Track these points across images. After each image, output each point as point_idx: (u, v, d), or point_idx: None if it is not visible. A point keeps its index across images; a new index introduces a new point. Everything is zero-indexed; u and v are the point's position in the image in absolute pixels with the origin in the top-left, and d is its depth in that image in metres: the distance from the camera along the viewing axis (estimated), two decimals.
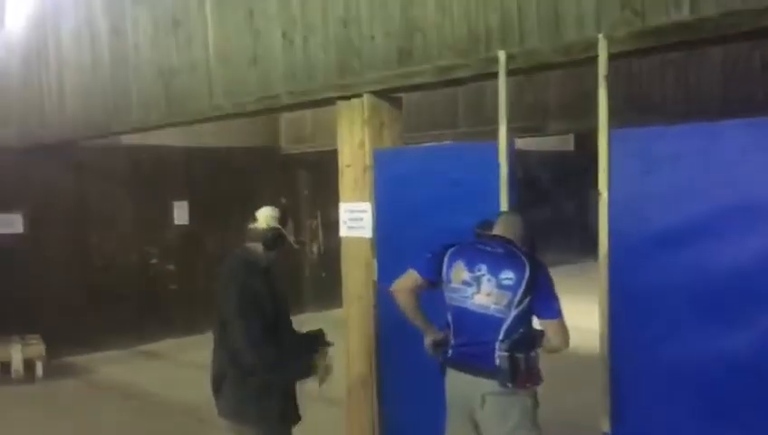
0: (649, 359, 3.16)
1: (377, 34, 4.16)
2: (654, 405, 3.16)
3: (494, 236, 3.04)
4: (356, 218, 4.34)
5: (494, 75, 3.60)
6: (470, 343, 2.93)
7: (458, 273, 2.97)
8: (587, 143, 13.31)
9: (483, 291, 2.87)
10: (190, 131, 8.08)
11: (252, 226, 3.22)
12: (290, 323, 3.32)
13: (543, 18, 3.46)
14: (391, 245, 4.17)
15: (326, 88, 4.46)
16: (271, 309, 3.13)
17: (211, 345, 3.26)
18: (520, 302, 2.82)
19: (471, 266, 2.94)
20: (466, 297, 2.93)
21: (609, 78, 3.20)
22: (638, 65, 6.59)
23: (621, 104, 6.20)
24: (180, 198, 9.21)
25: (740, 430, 2.86)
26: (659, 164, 3.11)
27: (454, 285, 2.99)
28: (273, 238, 3.19)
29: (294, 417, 3.27)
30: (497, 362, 2.81)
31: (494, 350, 2.82)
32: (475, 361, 2.89)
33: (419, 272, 3.15)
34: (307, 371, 3.22)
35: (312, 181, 10.35)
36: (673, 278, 3.07)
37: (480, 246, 3.01)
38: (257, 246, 3.20)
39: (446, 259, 3.03)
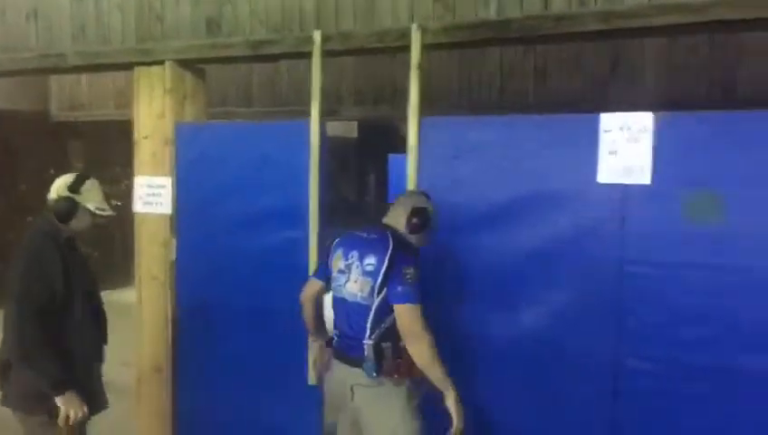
0: (453, 341, 3.35)
1: (182, 0, 3.93)
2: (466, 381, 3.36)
3: (381, 223, 2.92)
4: (153, 194, 4.08)
5: (309, 55, 3.58)
6: (345, 332, 2.85)
7: (336, 262, 2.89)
8: (370, 131, 13.79)
9: (352, 278, 2.79)
10: None
11: (48, 196, 2.93)
12: (91, 303, 3.05)
13: (359, 3, 3.50)
14: (194, 223, 3.99)
15: (123, 52, 4.13)
16: (62, 287, 2.85)
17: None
18: (381, 288, 2.69)
19: (346, 254, 2.86)
20: (341, 286, 2.85)
21: (422, 67, 3.32)
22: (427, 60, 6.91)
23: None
24: None
25: (540, 399, 3.15)
26: (466, 152, 3.30)
27: (334, 274, 2.91)
28: (66, 209, 2.92)
29: (94, 405, 3.00)
30: (365, 350, 2.71)
31: (362, 338, 2.72)
32: (348, 350, 2.82)
33: (316, 276, 3.04)
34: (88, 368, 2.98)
35: (88, 153, 9.54)
36: (474, 263, 3.28)
37: (359, 234, 2.90)
38: (53, 217, 2.92)
39: (331, 251, 2.95)
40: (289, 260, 3.67)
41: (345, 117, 7.48)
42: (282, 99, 7.29)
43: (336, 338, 2.92)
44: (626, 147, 2.97)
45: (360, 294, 2.75)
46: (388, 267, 2.67)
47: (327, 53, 3.55)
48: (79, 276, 2.96)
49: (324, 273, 2.97)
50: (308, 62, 3.59)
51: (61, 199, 2.93)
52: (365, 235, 2.86)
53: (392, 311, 2.68)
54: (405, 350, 2.68)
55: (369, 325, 2.72)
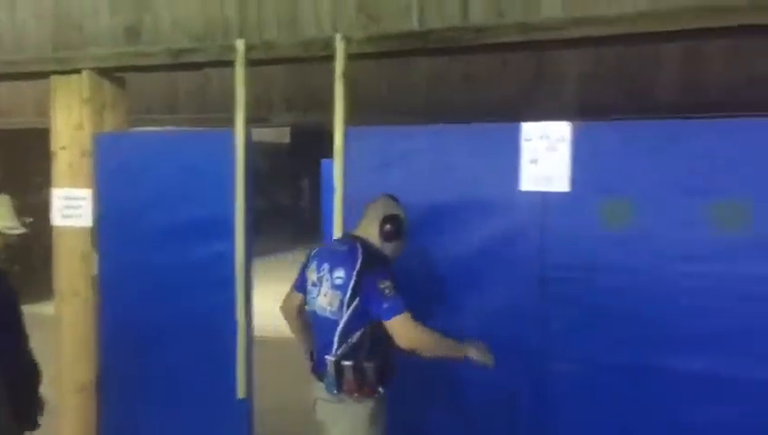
0: None
1: (101, 9, 3.84)
2: None
3: (351, 234, 2.86)
4: (72, 206, 3.96)
5: (232, 63, 3.54)
6: (317, 346, 2.80)
7: (311, 274, 2.83)
8: (303, 137, 13.75)
9: (322, 292, 2.73)
10: None
11: None
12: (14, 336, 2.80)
13: (282, 12, 3.49)
14: (115, 236, 3.89)
15: (38, 61, 4.00)
16: None
17: None
18: (350, 302, 2.61)
19: (318, 267, 2.79)
20: (314, 298, 2.78)
21: (347, 77, 3.33)
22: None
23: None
24: None
25: (462, 403, 3.18)
26: (392, 161, 3.32)
27: (308, 287, 2.84)
28: None
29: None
30: (328, 366, 2.67)
31: (328, 354, 2.67)
32: (317, 364, 2.78)
33: (295, 289, 2.94)
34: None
35: (5, 161, 9.17)
36: (401, 267, 3.30)
37: (333, 245, 2.88)
38: None
39: (308, 262, 2.87)
40: (215, 273, 3.62)
41: (276, 123, 7.43)
42: (211, 106, 7.19)
43: (313, 351, 2.87)
44: (545, 155, 3.05)
45: (329, 308, 2.69)
46: (356, 282, 2.61)
47: (251, 63, 3.53)
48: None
49: (302, 285, 2.88)
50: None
51: None
52: (337, 247, 2.82)
53: (360, 327, 2.63)
54: (371, 369, 2.65)
55: (336, 340, 2.65)
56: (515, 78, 6.54)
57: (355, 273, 2.62)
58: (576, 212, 2.98)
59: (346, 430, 2.70)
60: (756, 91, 5.64)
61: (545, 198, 3.04)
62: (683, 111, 5.95)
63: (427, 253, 3.24)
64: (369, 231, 2.78)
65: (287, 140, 15.96)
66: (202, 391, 3.69)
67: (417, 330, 2.59)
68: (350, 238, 2.81)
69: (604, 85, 6.27)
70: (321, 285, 2.74)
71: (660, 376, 2.87)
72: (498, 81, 6.58)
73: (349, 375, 2.63)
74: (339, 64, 3.33)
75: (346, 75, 3.34)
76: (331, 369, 2.65)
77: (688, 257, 2.84)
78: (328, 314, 2.69)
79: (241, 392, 3.62)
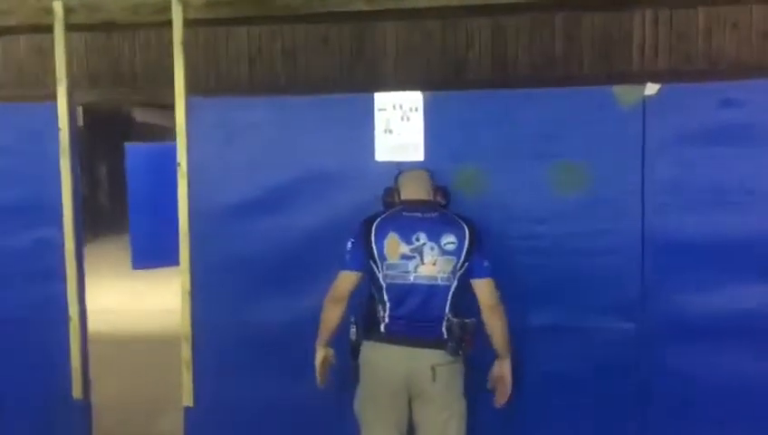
0: (231, 329, 3.22)
1: None
2: (236, 371, 3.24)
3: (415, 200, 2.77)
4: None
5: (49, 28, 3.16)
6: (413, 316, 2.67)
7: (393, 247, 2.67)
8: (99, 119, 12.74)
9: (428, 261, 2.65)
10: None
11: None
12: None
13: None
14: None
15: None
16: None
17: None
18: (462, 265, 2.67)
19: (407, 237, 2.67)
20: (408, 272, 2.66)
21: (186, 44, 3.11)
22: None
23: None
24: None
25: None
26: (238, 135, 3.16)
27: (391, 261, 2.67)
28: None
29: None
30: (444, 331, 2.65)
31: (441, 319, 2.65)
32: (421, 332, 2.67)
33: (352, 268, 2.72)
34: None
35: None
36: (253, 247, 3.17)
37: (409, 214, 2.73)
38: None
39: (372, 237, 2.69)
40: (40, 263, 3.24)
41: (79, 102, 6.80)
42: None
43: (389, 323, 2.69)
44: (400, 125, 3.06)
45: (440, 275, 2.67)
46: (470, 245, 2.67)
47: (75, 27, 3.17)
48: None
49: (361, 263, 2.71)
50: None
51: None
52: (418, 214, 2.72)
53: (466, 286, 2.68)
54: (473, 325, 2.68)
55: (448, 305, 2.67)
56: (338, 51, 6.55)
57: (467, 237, 2.68)
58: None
59: (460, 387, 2.75)
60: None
61: (401, 168, 3.05)
62: (495, 85, 6.32)
63: (281, 230, 3.14)
64: (427, 197, 2.80)
65: (80, 123, 14.73)
66: (34, 392, 3.31)
67: (499, 297, 2.73)
68: (424, 204, 2.76)
69: (421, 57, 6.47)
70: (421, 255, 2.66)
71: (520, 335, 3.01)
72: (320, 54, 6.54)
73: (469, 333, 2.67)
74: (177, 31, 3.09)
75: (184, 43, 3.11)
76: (456, 330, 2.66)
77: (535, 219, 3.00)
78: (439, 282, 2.67)
79: (77, 392, 3.30)
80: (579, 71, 6.26)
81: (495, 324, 2.72)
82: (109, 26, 3.33)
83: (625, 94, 2.93)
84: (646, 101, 2.91)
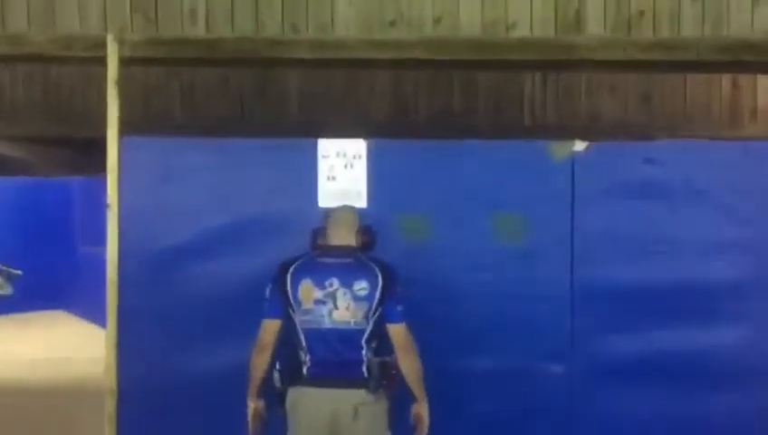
0: (158, 379, 3.07)
1: None
2: (160, 427, 3.08)
3: (332, 246, 2.78)
4: None
5: None
6: (332, 359, 2.71)
7: (307, 292, 2.69)
8: None
9: (341, 306, 2.70)
10: None
11: None
12: None
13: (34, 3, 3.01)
14: None
15: None
16: None
17: None
18: (375, 310, 2.71)
19: (320, 283, 2.71)
20: (322, 316, 2.71)
21: (120, 83, 2.99)
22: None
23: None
24: None
25: None
26: (176, 176, 3.06)
27: (305, 306, 2.71)
28: None
29: None
30: (365, 371, 2.69)
31: (360, 360, 2.70)
32: (342, 373, 2.70)
33: (272, 316, 2.74)
34: None
35: None
36: (189, 292, 3.06)
37: (323, 259, 2.76)
38: None
39: (288, 282, 2.71)
40: None
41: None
42: None
43: (310, 367, 2.71)
44: (343, 172, 3.09)
45: (353, 320, 2.71)
46: (383, 289, 2.70)
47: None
48: None
49: (280, 309, 2.73)
50: None
51: None
52: (330, 260, 2.74)
53: (378, 330, 2.71)
54: (395, 363, 2.74)
55: (364, 346, 2.71)
56: (239, 93, 6.48)
57: (380, 283, 2.71)
58: (374, 228, 3.06)
59: (384, 426, 2.77)
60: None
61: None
62: (395, 134, 6.48)
63: (222, 274, 3.06)
64: (347, 240, 2.79)
65: None
66: None
67: (413, 340, 2.76)
68: (338, 249, 2.77)
69: (325, 104, 6.54)
70: (334, 300, 2.70)
71: (456, 378, 3.08)
72: (220, 95, 6.45)
73: (390, 370, 2.72)
74: (111, 68, 2.97)
75: (119, 82, 2.99)
76: (375, 369, 2.70)
77: (475, 266, 3.11)
78: (352, 326, 2.71)
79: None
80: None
81: (410, 367, 2.78)
82: (34, 58, 3.15)
83: (557, 149, 3.12)
84: (575, 156, 3.12)
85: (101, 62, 2.96)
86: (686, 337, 3.05)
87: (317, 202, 3.08)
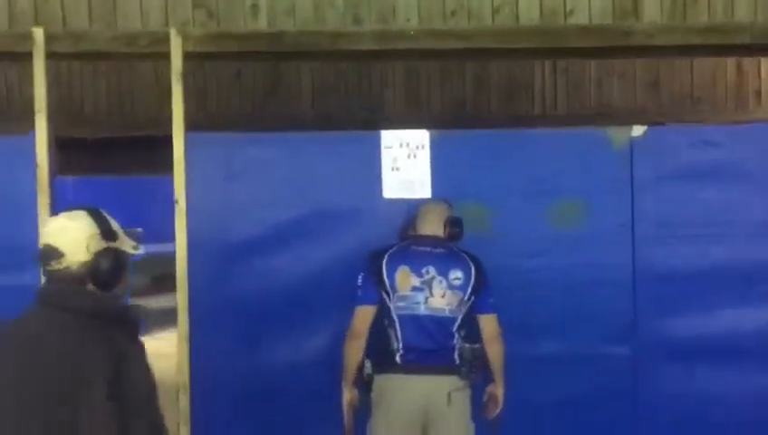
0: (229, 374, 3.07)
1: None
2: (234, 422, 3.08)
3: (425, 235, 2.84)
4: None
5: (30, 56, 2.91)
6: (423, 346, 2.75)
7: (404, 279, 2.74)
8: None
9: (437, 294, 2.75)
10: None
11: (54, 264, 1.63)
12: None
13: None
14: None
15: None
16: None
17: None
18: (468, 299, 2.79)
19: (418, 270, 2.75)
20: (418, 303, 2.75)
21: (185, 77, 2.98)
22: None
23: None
24: None
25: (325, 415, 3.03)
26: (241, 172, 3.06)
27: (401, 293, 2.75)
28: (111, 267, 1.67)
29: None
30: (457, 357, 2.75)
31: (452, 347, 2.75)
32: (435, 360, 2.75)
33: (366, 302, 2.77)
34: None
35: None
36: (256, 286, 3.06)
37: (418, 248, 2.81)
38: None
39: (384, 269, 2.74)
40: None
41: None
42: None
43: (403, 354, 2.75)
44: (406, 163, 3.11)
45: (448, 307, 2.77)
46: (476, 280, 2.78)
47: (58, 56, 2.94)
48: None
49: (374, 295, 2.77)
50: None
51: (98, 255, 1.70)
52: (427, 248, 2.79)
53: (472, 317, 2.80)
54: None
55: (456, 333, 2.77)
56: (251, 88, 6.46)
57: (473, 274, 2.79)
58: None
59: (469, 413, 2.82)
60: None
61: (409, 205, 3.08)
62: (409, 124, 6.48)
63: (289, 267, 3.06)
64: (436, 231, 2.84)
65: None
66: None
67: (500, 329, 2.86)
68: (432, 240, 2.83)
69: (335, 97, 6.53)
70: (430, 287, 2.75)
71: (521, 363, 3.10)
72: (232, 91, 6.43)
73: (479, 357, 2.78)
74: (175, 63, 2.96)
75: (184, 76, 2.98)
76: (467, 355, 2.76)
77: (537, 253, 3.15)
78: (447, 314, 2.77)
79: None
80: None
81: (497, 355, 2.86)
82: (96, 56, 3.13)
83: (617, 135, 3.17)
84: (633, 141, 3.16)
85: (164, 57, 2.95)
86: (747, 317, 3.11)
87: (381, 193, 3.10)
